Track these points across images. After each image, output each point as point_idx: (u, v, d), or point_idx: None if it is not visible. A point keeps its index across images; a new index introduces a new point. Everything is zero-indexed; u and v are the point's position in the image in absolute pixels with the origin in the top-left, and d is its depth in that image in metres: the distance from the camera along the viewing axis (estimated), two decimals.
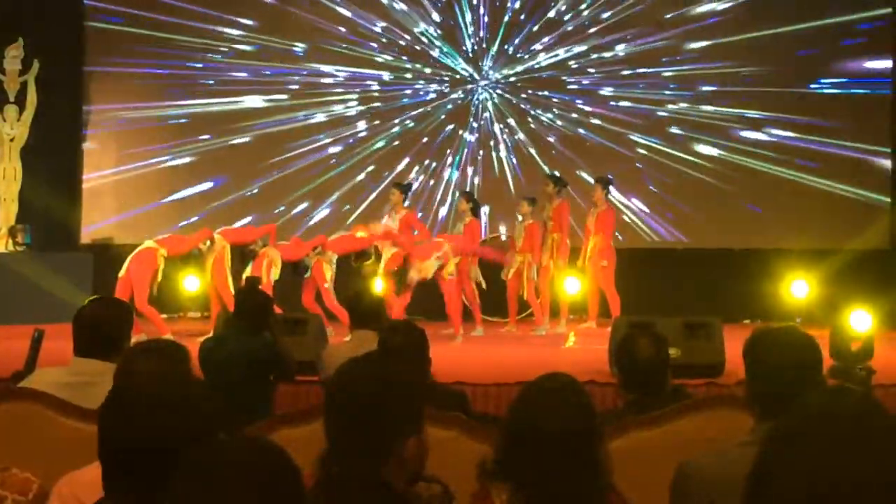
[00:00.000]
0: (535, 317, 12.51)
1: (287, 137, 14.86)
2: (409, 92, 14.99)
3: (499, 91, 14.90)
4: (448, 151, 14.90)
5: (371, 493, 2.48)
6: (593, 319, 12.55)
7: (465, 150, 14.90)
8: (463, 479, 3.06)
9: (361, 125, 14.96)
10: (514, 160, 14.81)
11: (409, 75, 14.98)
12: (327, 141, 14.90)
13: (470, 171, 14.87)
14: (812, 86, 14.24)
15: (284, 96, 14.94)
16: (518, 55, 14.88)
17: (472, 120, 14.93)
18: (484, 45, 14.91)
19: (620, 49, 14.67)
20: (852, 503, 1.44)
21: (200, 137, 14.92)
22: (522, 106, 14.86)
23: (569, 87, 14.80)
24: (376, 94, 15.01)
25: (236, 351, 6.23)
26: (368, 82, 14.99)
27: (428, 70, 14.97)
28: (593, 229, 12.45)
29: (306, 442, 2.73)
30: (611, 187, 12.70)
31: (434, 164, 14.88)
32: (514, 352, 10.52)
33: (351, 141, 14.93)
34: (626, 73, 14.69)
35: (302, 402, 7.49)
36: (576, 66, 14.78)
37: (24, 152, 14.25)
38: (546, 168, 14.26)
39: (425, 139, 14.91)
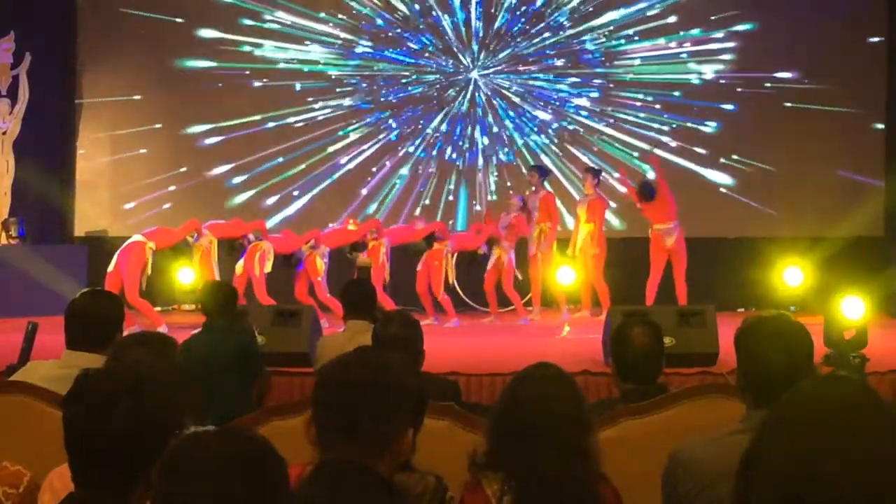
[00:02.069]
0: (516, 307, 12.55)
1: (282, 130, 14.82)
2: (402, 83, 14.96)
3: (490, 80, 14.88)
4: (439, 142, 14.88)
5: (365, 483, 2.47)
6: (587, 309, 12.59)
7: (456, 141, 14.89)
8: (455, 468, 3.06)
9: (353, 119, 14.91)
10: (503, 151, 14.80)
11: (403, 67, 14.95)
12: (321, 133, 14.86)
13: (459, 160, 14.85)
14: (802, 78, 14.26)
15: (273, 96, 14.91)
16: (509, 42, 14.87)
17: (462, 109, 14.90)
18: (476, 34, 14.89)
19: (610, 35, 14.68)
20: (844, 487, 1.44)
21: (195, 128, 14.87)
22: (513, 95, 14.85)
23: (558, 75, 14.79)
24: (368, 86, 14.97)
25: (212, 352, 6.26)
26: (363, 74, 14.96)
27: (421, 60, 14.94)
28: (584, 218, 12.49)
29: (299, 433, 2.72)
30: (601, 176, 12.75)
31: (425, 155, 14.86)
32: (508, 342, 10.51)
33: (343, 133, 14.90)
34: (618, 61, 14.68)
35: (295, 393, 7.49)
36: (566, 51, 14.77)
37: (16, 146, 14.21)
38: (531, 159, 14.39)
39: (417, 131, 14.88)
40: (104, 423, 2.28)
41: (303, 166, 14.77)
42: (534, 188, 12.65)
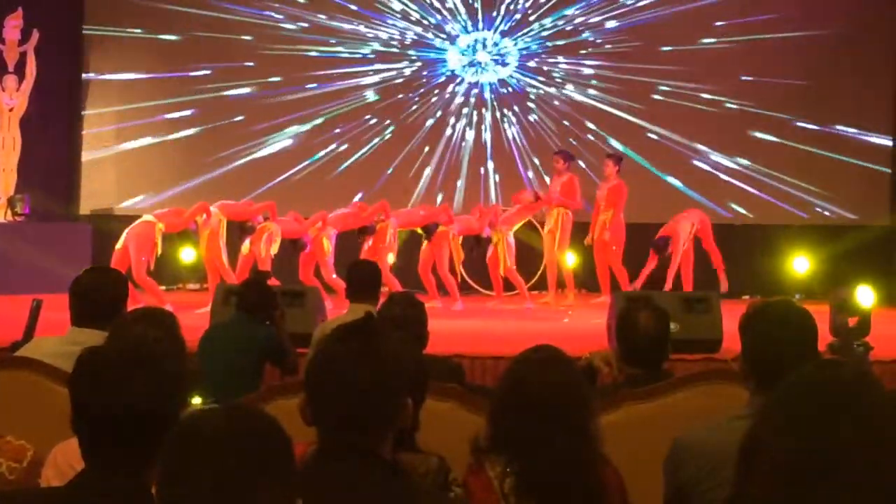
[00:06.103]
0: (519, 291, 12.57)
1: (288, 112, 14.80)
2: (411, 68, 14.94)
3: (502, 63, 14.86)
4: (451, 128, 14.85)
5: (369, 467, 2.47)
6: (606, 294, 12.54)
7: (469, 127, 14.86)
8: (459, 449, 3.07)
9: (363, 101, 14.89)
10: (519, 134, 14.77)
11: (409, 52, 14.93)
12: (331, 117, 14.84)
13: (473, 146, 14.84)
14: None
15: (279, 79, 14.84)
16: (521, 23, 14.84)
17: (475, 96, 14.88)
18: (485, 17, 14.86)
19: (620, 21, 14.64)
20: (843, 470, 1.45)
21: (202, 107, 14.86)
22: (527, 78, 14.83)
23: (573, 57, 14.75)
24: (378, 71, 14.94)
25: (240, 337, 6.35)
26: (370, 62, 14.94)
27: (428, 43, 14.92)
28: (603, 204, 12.48)
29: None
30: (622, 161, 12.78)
31: (438, 142, 14.84)
32: (512, 325, 10.53)
33: (351, 118, 14.88)
34: (633, 43, 14.65)
35: (300, 373, 7.50)
36: (580, 37, 14.74)
37: (23, 122, 14.19)
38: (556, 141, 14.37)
39: (428, 117, 14.85)
40: (116, 400, 2.24)
41: (312, 150, 14.76)
42: (558, 172, 12.62)
